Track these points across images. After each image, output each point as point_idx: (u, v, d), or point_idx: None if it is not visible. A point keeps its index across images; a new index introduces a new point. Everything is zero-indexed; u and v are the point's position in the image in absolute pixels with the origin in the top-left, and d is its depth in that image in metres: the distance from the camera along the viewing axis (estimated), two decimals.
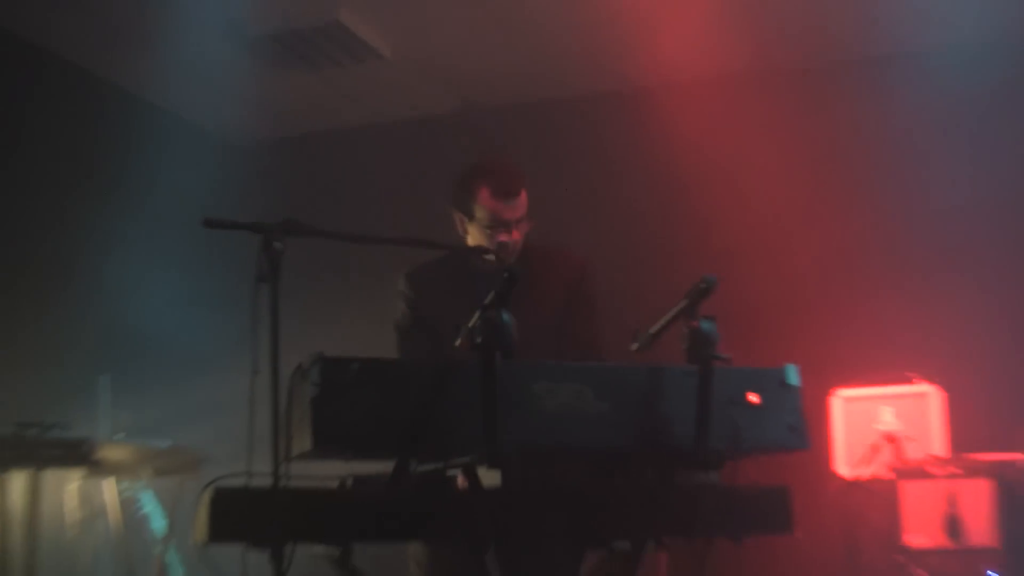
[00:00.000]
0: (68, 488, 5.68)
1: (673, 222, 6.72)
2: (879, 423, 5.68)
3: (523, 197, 3.89)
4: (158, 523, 5.83)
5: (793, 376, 3.09)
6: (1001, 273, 6.11)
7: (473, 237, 3.92)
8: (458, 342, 2.86)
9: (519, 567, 3.02)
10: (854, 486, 5.47)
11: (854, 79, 6.65)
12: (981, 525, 5.06)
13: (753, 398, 3.02)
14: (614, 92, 7.04)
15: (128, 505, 5.79)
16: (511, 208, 3.86)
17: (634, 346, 3.11)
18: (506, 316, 2.77)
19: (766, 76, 6.75)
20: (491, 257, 3.77)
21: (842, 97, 6.58)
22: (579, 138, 7.06)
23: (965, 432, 5.64)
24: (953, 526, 5.08)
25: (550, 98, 7.23)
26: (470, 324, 2.81)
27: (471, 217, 3.89)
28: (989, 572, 4.97)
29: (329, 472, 2.89)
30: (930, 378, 5.72)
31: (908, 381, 5.74)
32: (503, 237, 3.84)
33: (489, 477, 2.88)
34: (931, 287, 6.23)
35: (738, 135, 6.58)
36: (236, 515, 2.73)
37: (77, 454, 4.91)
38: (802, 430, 3.07)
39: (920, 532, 5.14)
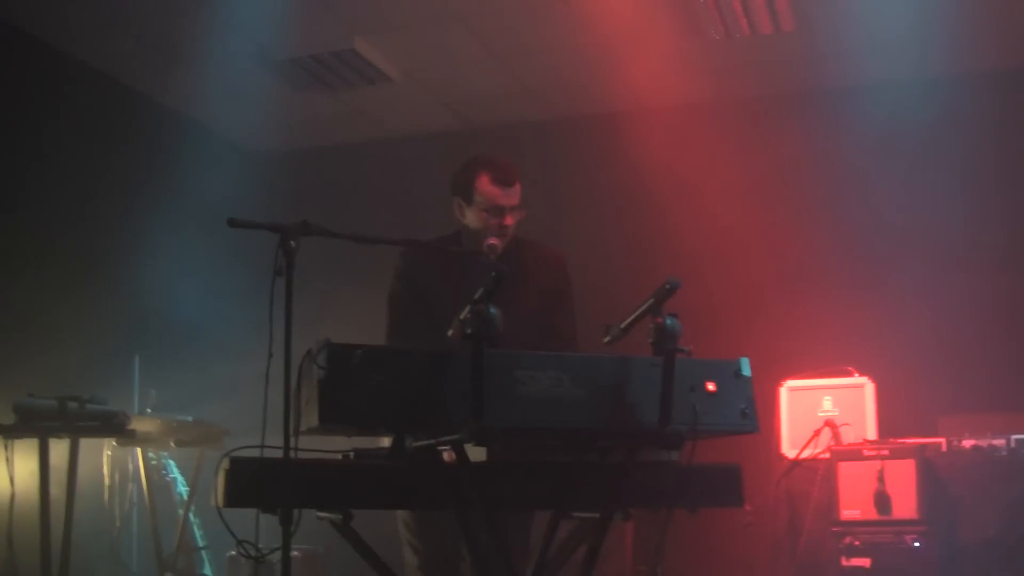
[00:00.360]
0: (103, 455, 5.66)
1: (643, 231, 6.69)
2: (821, 411, 5.68)
3: (518, 187, 3.81)
4: (181, 488, 5.81)
5: (746, 368, 3.07)
6: (925, 284, 6.14)
7: (470, 220, 3.83)
8: (451, 332, 2.83)
9: (493, 530, 3.00)
10: (798, 465, 5.47)
11: (802, 110, 6.65)
12: (905, 500, 5.06)
13: (710, 386, 3.00)
14: (593, 115, 7.02)
15: (155, 471, 5.77)
16: (507, 195, 3.78)
17: (606, 339, 3.09)
18: (493, 310, 2.75)
19: (725, 105, 6.74)
20: (484, 258, 3.73)
21: (792, 126, 6.56)
22: (562, 154, 7.03)
23: (893, 418, 5.64)
24: (882, 501, 5.08)
25: (537, 119, 7.21)
26: (461, 316, 2.78)
27: (470, 201, 3.81)
28: (915, 543, 4.97)
29: (334, 445, 2.87)
30: (864, 372, 5.73)
31: (846, 374, 5.75)
32: (495, 238, 3.77)
33: (476, 453, 2.86)
34: (867, 294, 6.24)
35: (702, 156, 6.57)
36: (250, 482, 2.71)
37: (111, 425, 4.86)
38: (753, 415, 3.05)
39: (854, 506, 5.14)
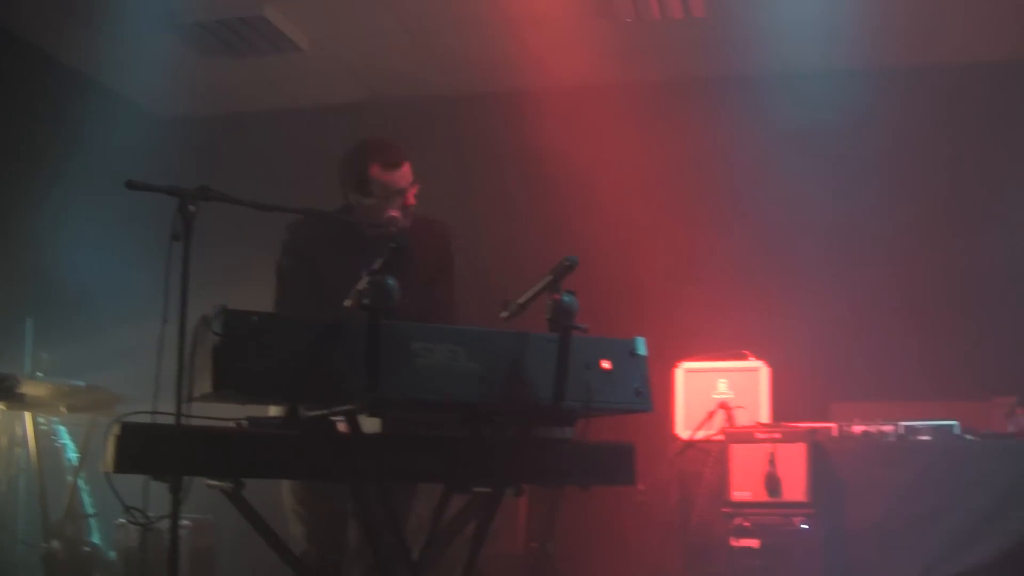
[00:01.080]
0: None
1: (545, 209, 6.69)
2: (715, 393, 5.78)
3: (408, 166, 3.81)
4: (71, 454, 5.70)
5: (641, 347, 3.11)
6: (822, 273, 6.29)
7: (371, 210, 3.79)
8: (348, 302, 2.83)
9: (388, 502, 3.02)
10: (691, 446, 5.56)
11: (707, 97, 6.73)
12: (796, 483, 5.16)
13: (605, 364, 3.03)
14: (501, 93, 6.99)
15: (45, 437, 5.65)
16: (402, 176, 3.78)
17: (504, 314, 3.11)
18: (391, 281, 2.75)
19: (632, 88, 6.77)
20: (391, 226, 3.71)
21: (696, 112, 6.65)
22: (469, 130, 7.00)
23: (787, 403, 5.77)
24: (773, 483, 5.18)
25: (444, 94, 7.17)
26: (359, 287, 2.78)
27: (367, 193, 3.78)
28: (803, 525, 5.09)
29: (226, 413, 2.85)
30: (760, 356, 5.84)
31: (742, 358, 5.85)
32: (395, 210, 3.75)
33: (370, 424, 2.86)
34: (765, 281, 6.37)
35: (606, 138, 6.60)
36: (140, 448, 2.69)
37: (0, 388, 4.77)
38: (647, 394, 3.08)
39: (745, 488, 5.22)
